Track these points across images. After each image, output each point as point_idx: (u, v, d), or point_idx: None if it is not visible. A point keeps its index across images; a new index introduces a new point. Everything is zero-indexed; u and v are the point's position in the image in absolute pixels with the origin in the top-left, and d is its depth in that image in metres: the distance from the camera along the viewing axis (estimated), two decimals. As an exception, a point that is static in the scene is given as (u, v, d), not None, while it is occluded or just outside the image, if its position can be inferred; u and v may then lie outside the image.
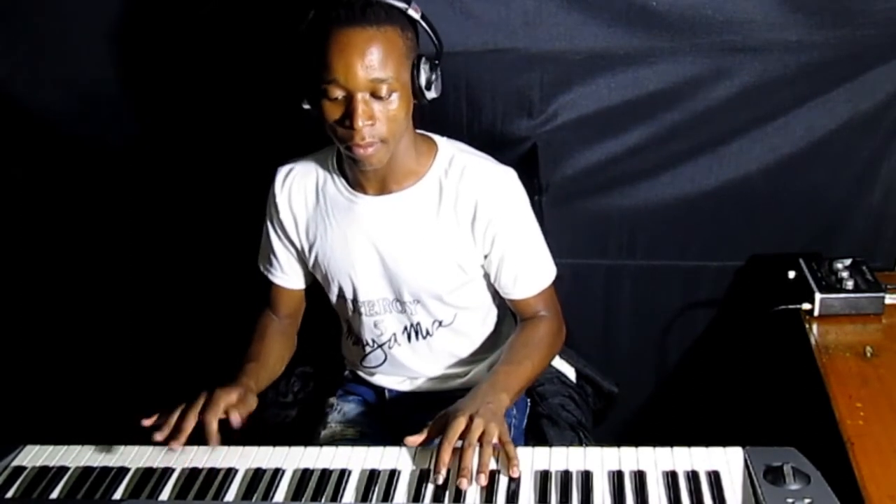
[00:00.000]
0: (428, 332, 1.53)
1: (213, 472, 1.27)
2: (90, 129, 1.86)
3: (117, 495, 1.25)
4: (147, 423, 1.30)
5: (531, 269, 1.48)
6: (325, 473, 1.25)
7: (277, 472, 1.26)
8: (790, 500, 1.10)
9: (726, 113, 1.69)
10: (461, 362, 1.58)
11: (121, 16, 1.72)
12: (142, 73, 1.79)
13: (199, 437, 1.29)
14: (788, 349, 1.65)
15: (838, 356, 1.47)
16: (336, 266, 1.49)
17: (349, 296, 1.52)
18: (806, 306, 1.60)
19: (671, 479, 1.18)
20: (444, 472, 1.18)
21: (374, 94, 1.27)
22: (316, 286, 1.59)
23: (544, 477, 1.20)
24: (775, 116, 1.70)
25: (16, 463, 1.32)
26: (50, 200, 2.01)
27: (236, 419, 1.29)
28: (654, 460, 1.22)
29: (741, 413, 1.89)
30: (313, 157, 1.50)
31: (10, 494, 1.25)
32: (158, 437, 1.27)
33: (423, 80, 1.32)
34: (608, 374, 1.78)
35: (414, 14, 1.30)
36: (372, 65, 1.25)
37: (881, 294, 1.59)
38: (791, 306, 1.62)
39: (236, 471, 1.27)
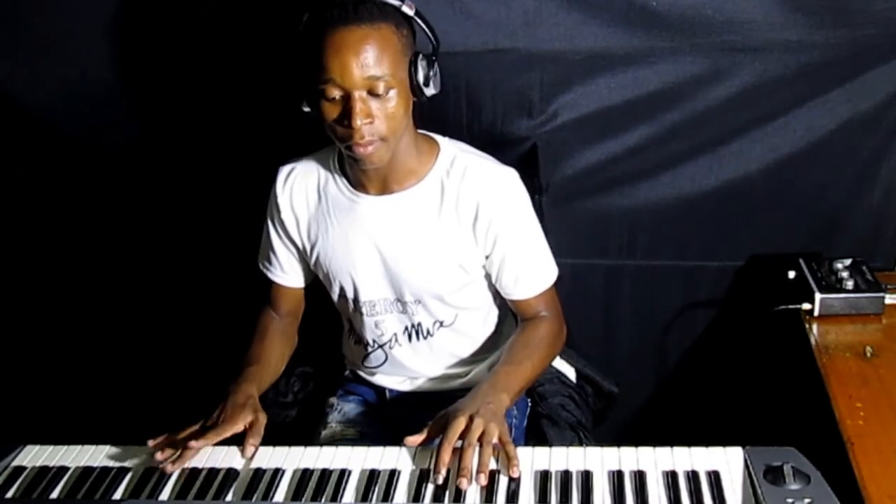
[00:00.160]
0: (429, 333, 1.53)
1: (213, 472, 1.27)
2: (90, 129, 1.86)
3: (117, 495, 1.25)
4: (153, 444, 1.30)
5: (532, 270, 1.48)
6: (325, 473, 1.25)
7: (277, 472, 1.26)
8: (790, 500, 1.10)
9: (726, 113, 1.69)
10: (462, 362, 1.58)
11: (121, 16, 1.72)
12: (142, 74, 1.79)
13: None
14: (788, 349, 1.65)
15: (838, 356, 1.47)
16: (337, 266, 1.49)
17: (350, 296, 1.52)
18: (806, 306, 1.60)
19: (671, 479, 1.18)
20: (444, 471, 1.18)
21: (372, 93, 1.27)
22: (317, 285, 1.59)
23: (544, 477, 1.20)
24: (775, 116, 1.70)
25: (16, 463, 1.32)
26: (50, 200, 2.01)
27: (249, 451, 1.29)
28: (654, 460, 1.22)
29: (741, 413, 1.89)
30: (315, 156, 1.50)
31: (10, 494, 1.25)
32: (159, 456, 1.27)
33: (420, 77, 1.32)
34: (608, 374, 1.78)
35: (408, 11, 1.30)
36: (367, 63, 1.25)
37: (881, 294, 1.59)
38: (791, 306, 1.62)
39: (236, 471, 1.27)
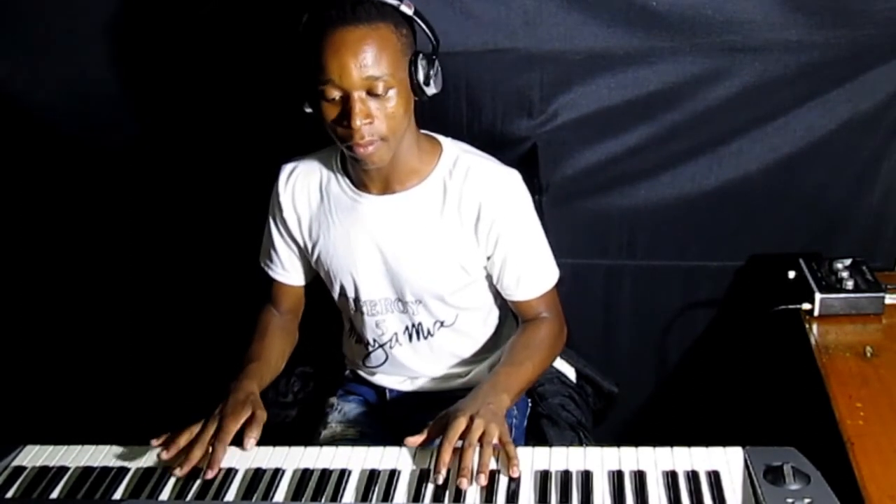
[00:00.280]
0: (429, 333, 1.53)
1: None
2: (90, 129, 1.86)
3: (117, 495, 1.24)
4: (156, 443, 1.30)
5: (534, 271, 1.48)
6: (325, 473, 1.25)
7: (277, 472, 1.26)
8: (790, 500, 1.10)
9: (726, 113, 1.69)
10: (462, 362, 1.59)
11: (121, 16, 1.72)
12: (142, 73, 1.79)
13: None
14: (788, 349, 1.65)
15: (838, 356, 1.47)
16: (338, 265, 1.49)
17: (351, 295, 1.52)
18: (806, 306, 1.60)
19: (671, 479, 1.18)
20: (444, 471, 1.18)
21: (371, 93, 1.27)
22: (317, 284, 1.59)
23: (544, 477, 1.20)
24: (775, 116, 1.70)
25: (16, 463, 1.32)
26: (50, 200, 2.01)
27: (250, 444, 1.28)
28: (654, 460, 1.22)
29: (741, 413, 1.89)
30: (317, 155, 1.50)
31: (10, 494, 1.25)
32: (165, 456, 1.27)
33: (420, 76, 1.32)
34: (608, 374, 1.78)
35: (407, 10, 1.30)
36: (366, 63, 1.25)
37: (881, 294, 1.59)
38: (791, 306, 1.62)
39: (236, 471, 1.27)
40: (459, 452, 1.20)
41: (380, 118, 1.29)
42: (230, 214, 1.87)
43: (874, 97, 1.66)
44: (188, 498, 1.22)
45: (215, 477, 1.25)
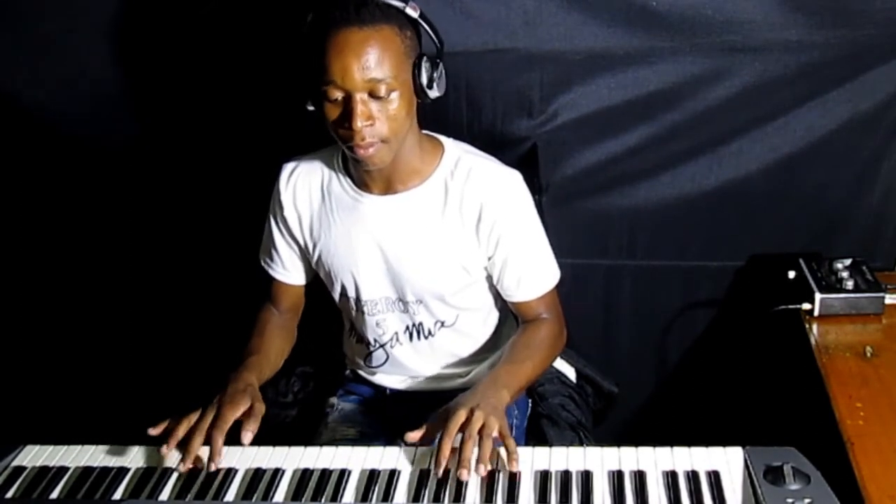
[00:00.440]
0: (430, 332, 1.53)
1: (213, 471, 1.26)
2: (90, 129, 1.86)
3: (117, 495, 1.25)
4: (154, 432, 1.29)
5: (534, 272, 1.48)
6: (325, 473, 1.25)
7: (277, 472, 1.26)
8: (790, 500, 1.10)
9: (726, 113, 1.69)
10: (462, 362, 1.59)
11: (121, 16, 1.72)
12: (142, 73, 1.79)
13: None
14: (788, 349, 1.65)
15: (838, 356, 1.47)
16: (339, 264, 1.49)
17: (352, 294, 1.52)
18: (806, 306, 1.60)
19: (671, 479, 1.18)
20: (444, 464, 1.18)
21: (373, 94, 1.27)
22: (317, 283, 1.59)
23: (544, 477, 1.20)
24: (775, 116, 1.70)
25: (16, 463, 1.32)
26: (50, 200, 2.01)
27: (248, 438, 1.28)
28: (654, 460, 1.22)
29: (741, 413, 1.89)
30: (318, 154, 1.50)
31: (10, 494, 1.25)
32: (165, 450, 1.26)
33: (424, 79, 1.31)
34: (608, 374, 1.78)
35: (412, 13, 1.30)
36: (368, 65, 1.25)
37: (881, 294, 1.59)
38: (791, 306, 1.62)
39: (236, 471, 1.27)
40: (459, 445, 1.20)
41: (381, 120, 1.29)
42: (231, 213, 1.87)
43: (874, 97, 1.66)
44: (188, 498, 1.22)
45: (215, 477, 1.25)
